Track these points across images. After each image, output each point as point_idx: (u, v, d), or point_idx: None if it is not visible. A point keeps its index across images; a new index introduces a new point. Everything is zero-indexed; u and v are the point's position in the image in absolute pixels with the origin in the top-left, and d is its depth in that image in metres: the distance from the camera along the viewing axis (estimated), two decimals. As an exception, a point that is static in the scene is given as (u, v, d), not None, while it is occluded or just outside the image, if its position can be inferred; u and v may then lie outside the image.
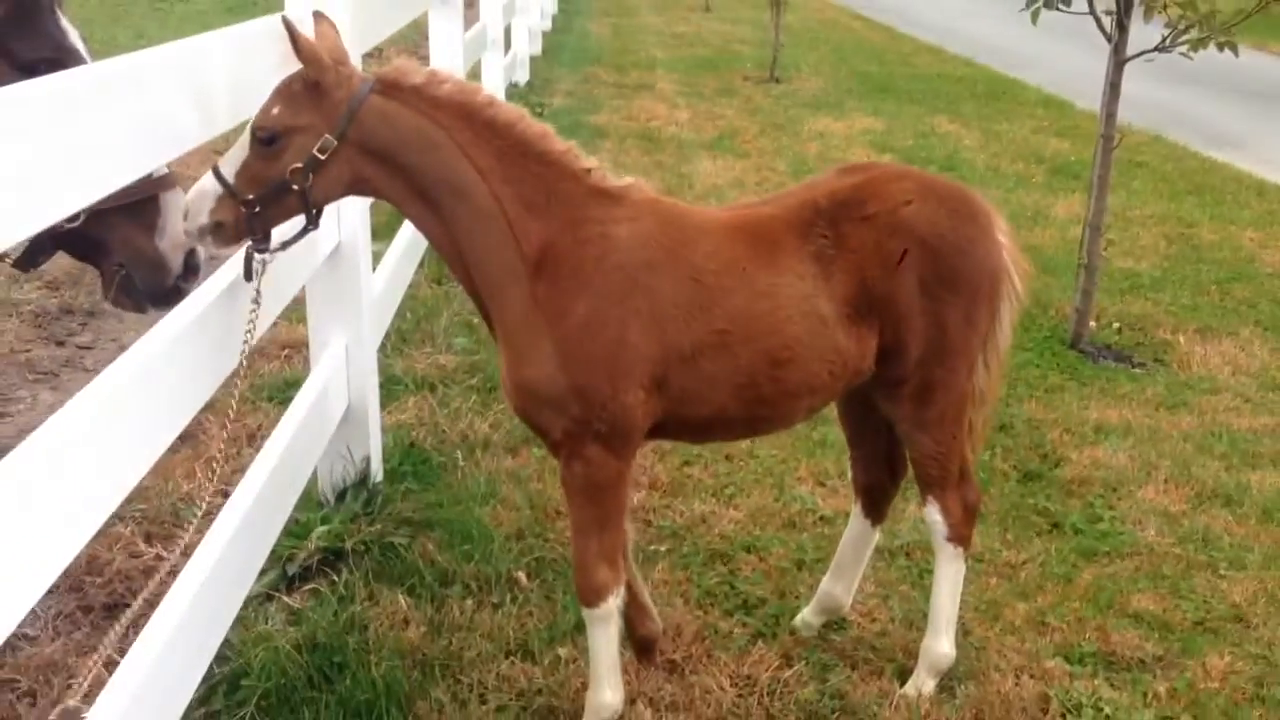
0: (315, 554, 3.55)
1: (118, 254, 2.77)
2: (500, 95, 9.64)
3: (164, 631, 2.36)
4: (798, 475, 4.37)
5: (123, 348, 5.68)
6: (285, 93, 2.48)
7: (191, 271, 2.86)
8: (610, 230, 2.60)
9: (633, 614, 3.05)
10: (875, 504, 3.27)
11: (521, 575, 3.62)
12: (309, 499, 3.91)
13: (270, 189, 2.46)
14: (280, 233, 2.66)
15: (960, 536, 3.08)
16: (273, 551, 3.53)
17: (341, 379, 3.75)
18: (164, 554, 3.63)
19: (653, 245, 2.63)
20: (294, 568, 3.53)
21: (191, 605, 2.45)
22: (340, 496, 3.87)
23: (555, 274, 2.58)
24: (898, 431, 3.05)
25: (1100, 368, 5.55)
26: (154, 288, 2.82)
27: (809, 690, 3.18)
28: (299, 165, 2.45)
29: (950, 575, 3.13)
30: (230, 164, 2.47)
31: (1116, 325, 6.06)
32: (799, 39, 18.80)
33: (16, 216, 1.84)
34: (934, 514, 3.07)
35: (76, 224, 2.61)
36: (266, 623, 3.26)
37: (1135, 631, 3.50)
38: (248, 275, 2.60)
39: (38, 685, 3.12)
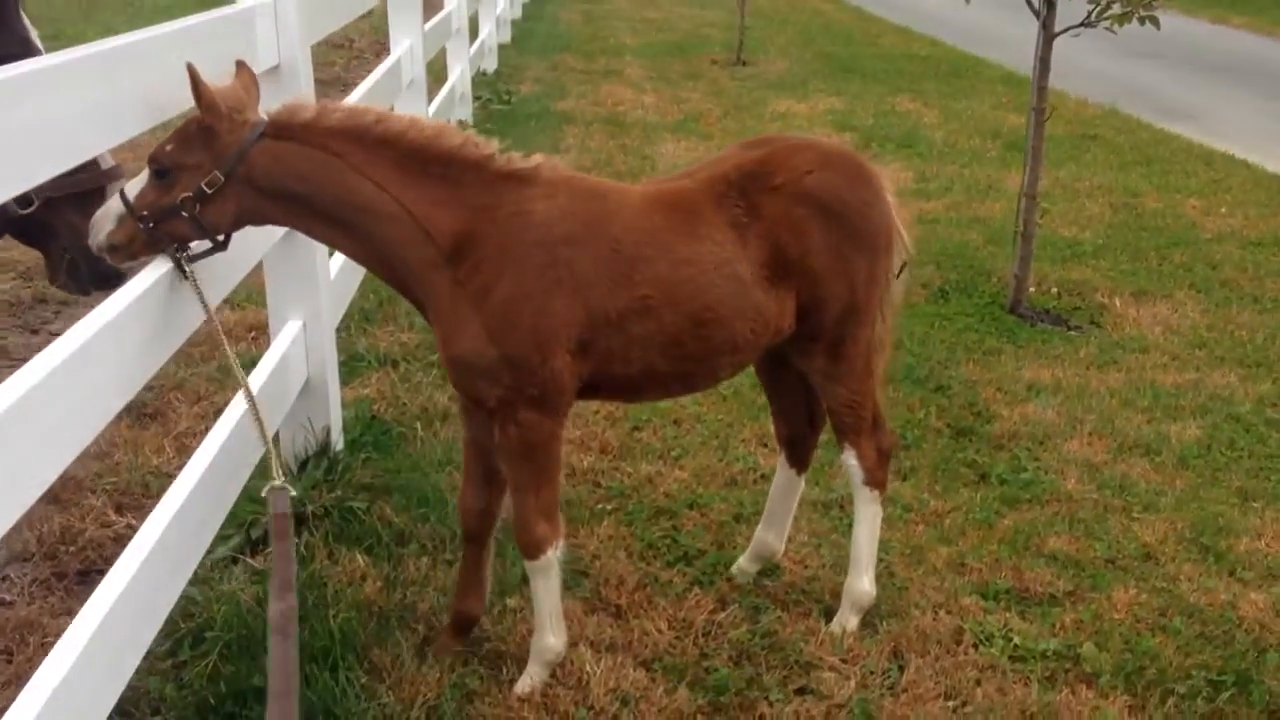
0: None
1: (65, 239, 2.98)
2: (466, 83, 9.86)
3: (117, 588, 2.50)
4: (741, 437, 4.59)
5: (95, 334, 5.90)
6: (182, 133, 2.69)
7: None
8: (525, 209, 2.79)
9: (465, 585, 3.23)
10: (798, 454, 3.49)
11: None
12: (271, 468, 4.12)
13: (162, 212, 2.66)
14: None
15: (876, 480, 3.31)
16: (236, 517, 3.76)
17: (300, 353, 3.95)
18: (134, 523, 3.84)
19: (570, 220, 2.83)
20: (257, 531, 3.73)
21: (145, 563, 2.59)
22: (303, 465, 4.07)
23: (476, 257, 2.76)
24: (813, 384, 3.26)
25: (1037, 330, 5.79)
26: (97, 273, 3.03)
27: (741, 630, 3.40)
28: (188, 195, 2.65)
29: (868, 517, 3.35)
30: (133, 188, 2.69)
31: (1055, 290, 6.30)
32: (768, 22, 19.02)
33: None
34: (850, 459, 3.29)
35: (30, 210, 2.81)
36: (230, 582, 3.47)
37: (1048, 570, 3.73)
38: (182, 274, 2.77)
39: (14, 645, 3.32)
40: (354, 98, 5.64)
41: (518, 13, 19.14)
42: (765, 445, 4.53)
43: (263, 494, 2.58)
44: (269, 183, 2.70)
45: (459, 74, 9.97)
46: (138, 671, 3.07)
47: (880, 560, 3.73)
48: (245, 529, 3.75)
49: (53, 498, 3.97)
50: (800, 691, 3.18)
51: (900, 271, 3.23)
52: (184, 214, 2.67)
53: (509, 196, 2.80)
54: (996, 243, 7.05)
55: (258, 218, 2.80)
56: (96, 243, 2.70)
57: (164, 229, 2.68)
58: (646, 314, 2.87)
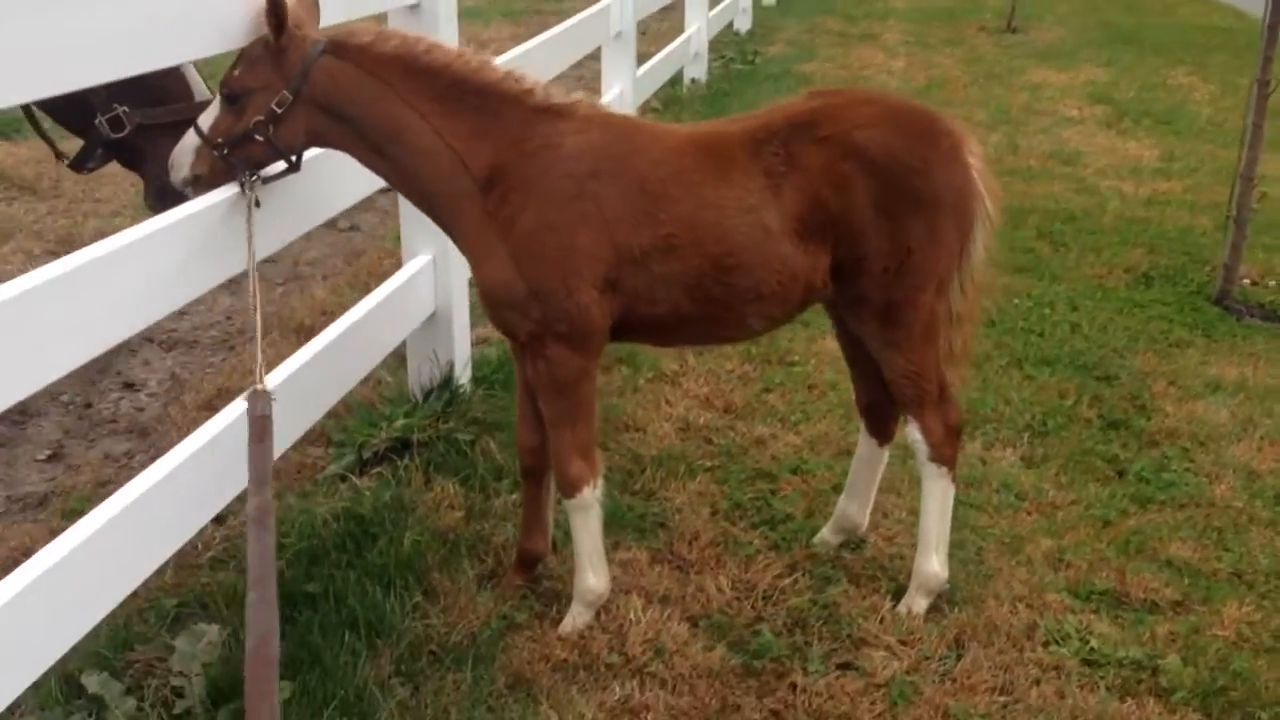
0: (385, 442, 3.93)
1: (157, 166, 3.20)
2: (703, 41, 9.86)
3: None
4: (871, 408, 4.44)
5: (309, 262, 6.31)
6: (247, 55, 2.77)
7: None
8: (555, 142, 2.81)
9: (528, 523, 3.29)
10: (878, 423, 3.36)
11: (570, 476, 3.89)
12: (400, 396, 4.33)
13: (237, 138, 2.75)
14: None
15: (943, 456, 3.14)
16: (350, 439, 3.99)
17: (428, 285, 4.11)
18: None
19: (599, 155, 2.82)
20: (368, 453, 3.92)
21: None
22: (427, 395, 4.25)
23: (505, 187, 2.80)
24: (871, 351, 3.13)
25: (1242, 325, 5.31)
26: (184, 199, 3.25)
27: (803, 599, 3.32)
28: (261, 118, 2.74)
29: (937, 494, 3.19)
30: (206, 120, 2.80)
31: (1274, 283, 5.75)
32: (1055, -13, 18.06)
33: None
34: (914, 433, 3.14)
35: (123, 135, 3.04)
36: (334, 498, 3.66)
37: (1159, 576, 3.45)
38: (253, 202, 2.85)
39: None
40: (547, 38, 5.79)
41: (792, -26, 18.92)
42: (894, 418, 4.37)
43: (242, 397, 2.67)
44: (328, 101, 2.78)
45: (695, 30, 9.98)
46: (216, 564, 3.34)
47: (971, 545, 3.58)
48: (358, 449, 3.94)
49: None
50: (843, 666, 3.08)
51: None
52: (259, 137, 2.76)
53: (541, 129, 2.82)
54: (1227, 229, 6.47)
55: (324, 138, 2.89)
56: (180, 178, 2.83)
57: (240, 155, 2.79)
58: (670, 253, 2.83)
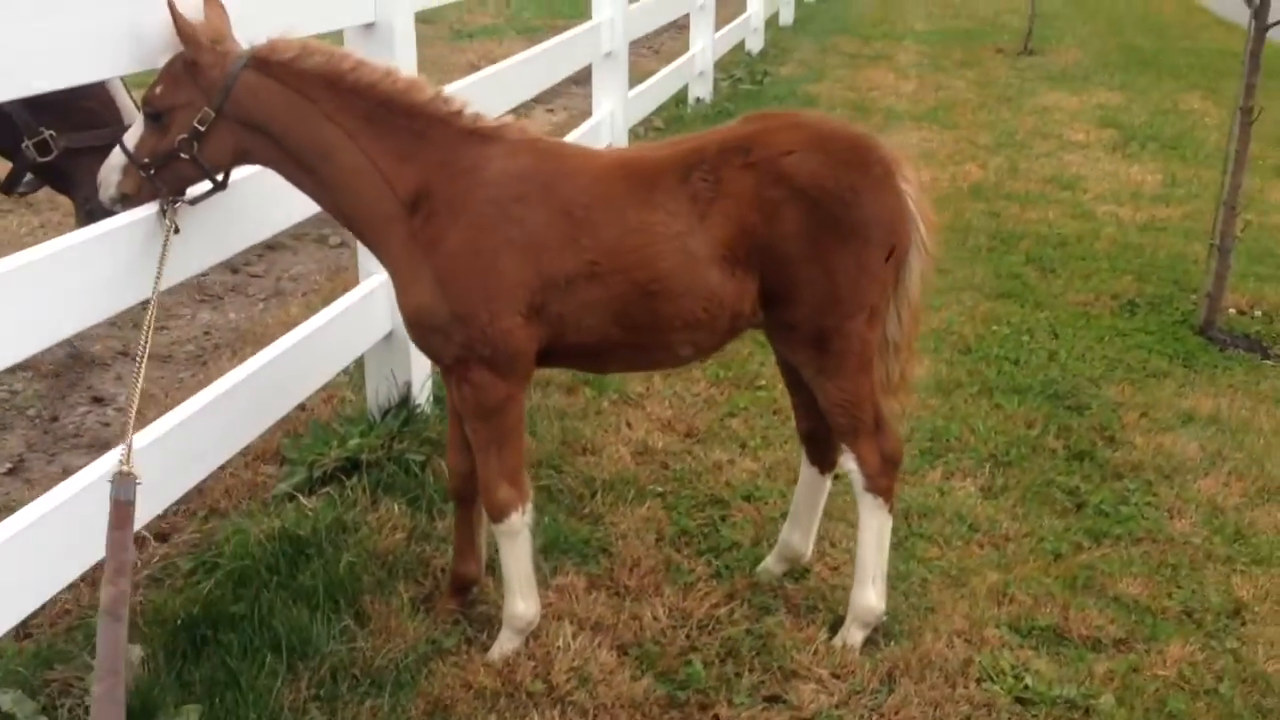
0: (336, 462, 3.92)
1: (85, 190, 3.21)
2: (708, 61, 9.86)
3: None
4: (833, 435, 4.40)
5: (292, 278, 6.33)
6: (168, 72, 2.72)
7: None
8: (482, 166, 2.78)
9: (460, 547, 3.26)
10: (819, 451, 3.31)
11: (517, 499, 3.86)
12: (360, 415, 4.31)
13: (161, 157, 2.71)
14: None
15: (879, 487, 3.09)
16: (303, 458, 3.97)
17: (383, 304, 4.09)
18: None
19: (525, 179, 2.79)
20: (318, 472, 3.91)
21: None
22: (384, 415, 4.24)
23: (430, 210, 2.78)
24: (805, 379, 3.08)
25: (1224, 355, 5.23)
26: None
27: (739, 629, 3.27)
28: (184, 136, 2.69)
29: (873, 525, 3.14)
30: (131, 138, 2.75)
31: (1260, 313, 5.66)
32: (1079, 9, 18.06)
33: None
34: (849, 463, 3.09)
35: (50, 158, 3.05)
36: (274, 518, 3.64)
37: (1104, 613, 3.38)
38: (170, 225, 2.81)
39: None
40: (532, 55, 5.80)
41: (814, -7, 18.94)
42: (855, 445, 4.32)
43: (108, 479, 2.50)
44: (251, 118, 2.73)
45: (699, 50, 9.98)
46: (151, 583, 3.33)
47: (916, 577, 3.53)
48: (309, 468, 3.93)
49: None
50: (770, 699, 3.03)
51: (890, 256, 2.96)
52: (184, 155, 2.72)
53: (469, 152, 2.80)
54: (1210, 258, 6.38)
55: (251, 156, 2.84)
56: (108, 196, 2.78)
57: (166, 174, 2.75)
58: (595, 279, 2.80)
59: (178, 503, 3.87)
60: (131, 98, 3.47)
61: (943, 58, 13.60)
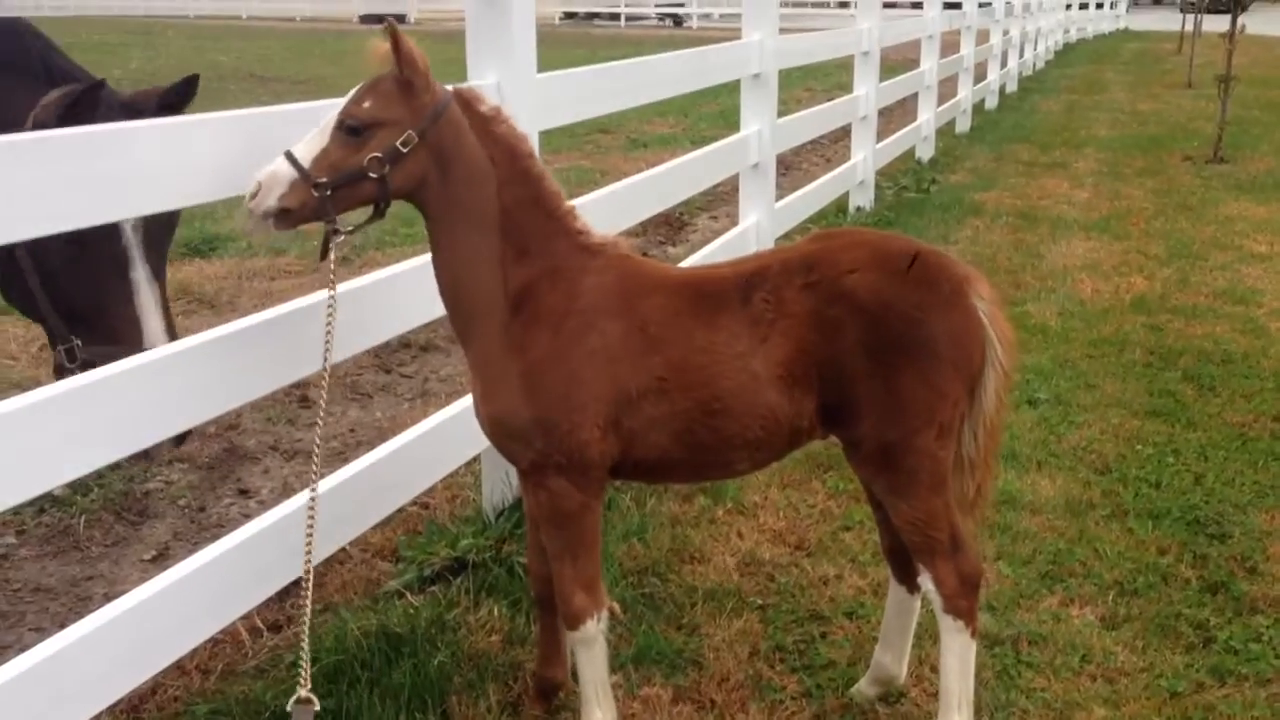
0: (444, 561, 4.03)
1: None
2: (869, 170, 9.95)
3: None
4: (949, 554, 4.28)
5: (441, 379, 6.58)
6: (377, 89, 2.71)
7: None
8: (578, 279, 2.86)
9: (546, 652, 3.30)
10: (904, 569, 3.23)
11: (616, 606, 3.83)
12: (476, 516, 4.44)
13: (346, 175, 2.67)
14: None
15: (958, 609, 3.00)
16: (415, 557, 4.11)
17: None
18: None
19: (611, 294, 2.86)
20: (428, 571, 4.03)
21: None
22: (498, 517, 4.35)
23: (528, 314, 2.85)
24: (879, 497, 3.04)
25: (1393, 484, 4.87)
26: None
27: (822, 752, 3.21)
28: (379, 155, 2.67)
29: (955, 649, 3.04)
30: (305, 151, 2.69)
31: None
32: (1278, 114, 17.35)
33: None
34: (927, 583, 3.01)
35: (74, 365, 3.32)
36: (377, 616, 3.76)
37: (1217, 758, 3.17)
38: (324, 254, 2.81)
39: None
40: (681, 164, 5.97)
41: (994, 102, 18.80)
42: (971, 566, 4.19)
43: (287, 708, 2.60)
44: (446, 153, 2.75)
45: (861, 158, 10.02)
46: (258, 673, 3.48)
47: (1018, 708, 3.38)
48: (419, 566, 4.06)
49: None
50: (843, 828, 2.95)
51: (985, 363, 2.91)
52: (373, 175, 2.68)
53: (572, 264, 2.88)
54: (1398, 377, 5.99)
55: (425, 191, 2.80)
56: (265, 208, 2.67)
57: (344, 193, 2.70)
58: (661, 396, 2.84)
59: (294, 594, 4.07)
60: (168, 319, 3.58)
61: (1123, 166, 13.25)
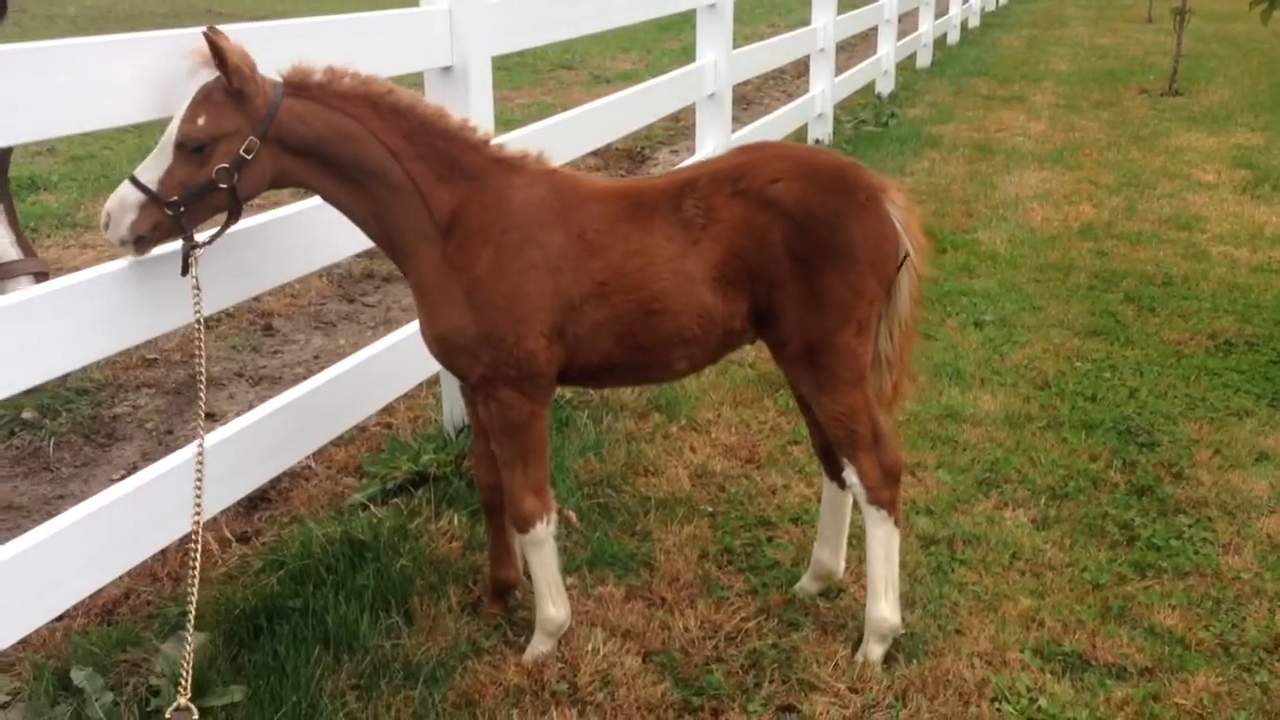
0: (407, 475, 4.18)
1: None
2: (827, 103, 10.02)
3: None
4: (893, 463, 4.46)
5: (404, 308, 6.68)
6: (207, 103, 2.72)
7: None
8: (508, 195, 2.98)
9: (498, 555, 3.46)
10: (835, 466, 3.37)
11: (572, 514, 4.06)
12: (437, 434, 4.58)
13: (195, 190, 2.72)
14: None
15: (881, 499, 3.18)
16: (378, 471, 4.25)
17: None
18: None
19: (545, 207, 2.99)
20: (390, 484, 4.18)
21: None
22: (458, 433, 4.49)
23: (463, 234, 2.96)
24: (805, 396, 3.21)
25: (1317, 396, 5.09)
26: None
27: (765, 642, 3.39)
28: (225, 165, 2.72)
29: (880, 538, 3.22)
30: (150, 172, 2.71)
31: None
32: (1236, 50, 17.57)
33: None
34: (851, 476, 3.19)
35: None
36: (343, 524, 3.91)
37: (1135, 643, 3.38)
38: (184, 270, 2.82)
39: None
40: (639, 91, 6.08)
41: (955, 37, 18.87)
42: (913, 475, 4.38)
43: (166, 715, 2.46)
44: (296, 142, 2.81)
45: (819, 92, 10.12)
46: (226, 580, 3.62)
47: (948, 600, 3.58)
48: (381, 480, 4.21)
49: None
50: (784, 709, 3.14)
51: (900, 265, 3.07)
52: (222, 185, 2.73)
53: (496, 180, 2.99)
54: (1329, 297, 6.21)
55: (283, 179, 2.89)
56: (118, 237, 2.73)
57: (199, 207, 2.76)
58: (602, 300, 2.97)
59: (262, 508, 4.22)
60: (17, 233, 3.61)
61: (1080, 99, 13.42)
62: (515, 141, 4.69)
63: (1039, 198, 8.69)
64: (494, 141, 3.08)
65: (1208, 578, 3.72)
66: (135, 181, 2.72)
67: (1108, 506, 4.15)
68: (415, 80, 4.20)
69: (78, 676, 3.10)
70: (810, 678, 3.24)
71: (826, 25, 10.07)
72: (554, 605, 3.28)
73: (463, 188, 2.97)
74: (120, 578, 3.59)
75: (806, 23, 10.22)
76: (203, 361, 2.86)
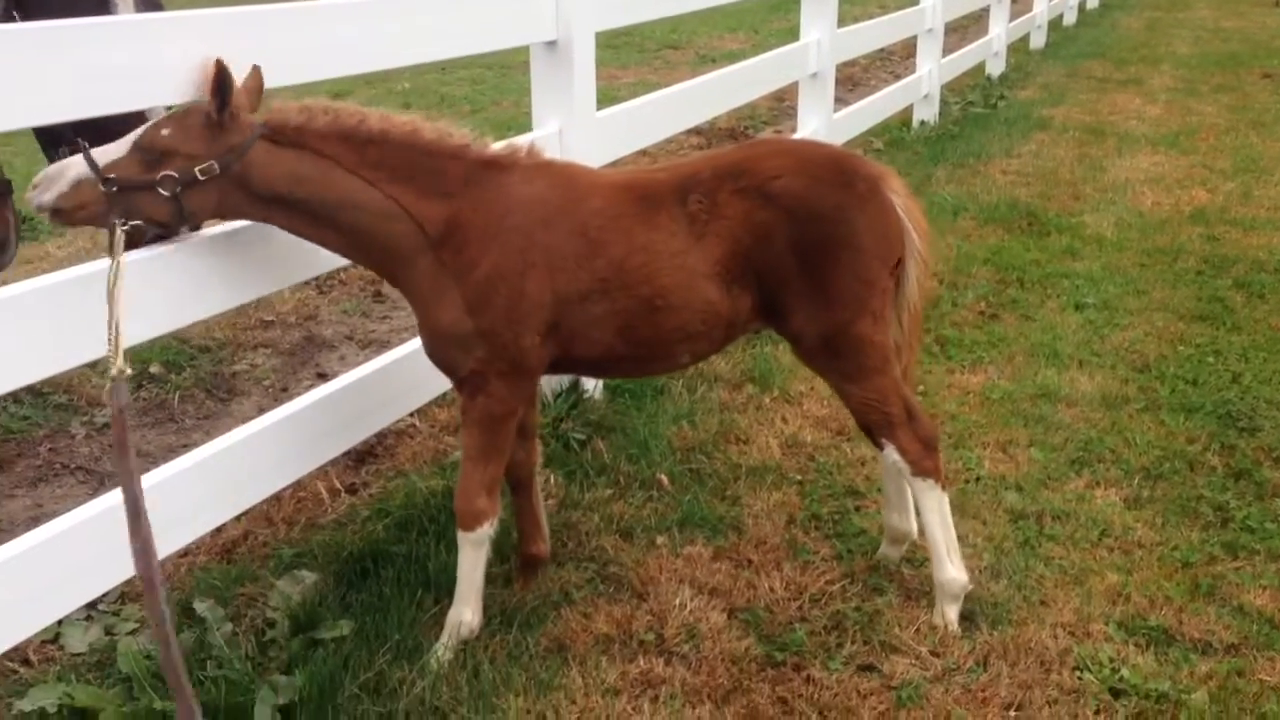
0: (507, 435, 4.34)
1: None
2: (934, 84, 9.97)
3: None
4: (982, 440, 4.50)
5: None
6: (182, 121, 2.75)
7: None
8: (503, 194, 2.99)
9: (526, 530, 3.49)
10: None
11: (664, 478, 4.18)
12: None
13: (135, 183, 2.70)
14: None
15: (925, 469, 3.23)
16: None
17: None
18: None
19: (544, 204, 3.02)
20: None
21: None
22: (556, 398, 4.64)
23: (461, 241, 2.96)
24: (831, 386, 3.30)
25: None
26: None
27: (849, 605, 3.47)
28: (173, 174, 2.70)
29: (932, 505, 3.27)
30: (103, 155, 2.70)
31: None
32: (1361, 31, 16.91)
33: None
34: (892, 454, 3.24)
35: None
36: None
37: (1220, 620, 3.39)
38: (110, 248, 2.66)
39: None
40: (741, 68, 6.16)
41: (1072, 19, 18.50)
42: (1003, 451, 4.42)
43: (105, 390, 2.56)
44: (261, 183, 2.81)
45: (926, 72, 10.06)
46: (337, 526, 3.82)
47: (1034, 573, 3.62)
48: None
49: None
50: (864, 668, 3.22)
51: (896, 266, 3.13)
52: (164, 192, 2.71)
53: (489, 182, 3.00)
54: None
55: (233, 213, 2.89)
56: (41, 200, 2.70)
57: (131, 198, 2.71)
58: (604, 295, 3.01)
59: (369, 462, 4.42)
60: None
61: (1200, 82, 13.08)
62: (618, 116, 4.83)
63: (1150, 182, 8.54)
64: (469, 143, 3.04)
65: (1301, 560, 3.70)
66: (88, 156, 2.70)
67: (1203, 489, 4.14)
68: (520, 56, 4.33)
69: (200, 607, 3.32)
70: (892, 640, 3.31)
71: (935, 5, 10.00)
72: (470, 609, 3.24)
73: (454, 197, 2.96)
74: (239, 520, 3.85)
75: (916, 4, 10.15)
76: (115, 331, 2.55)
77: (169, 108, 2.97)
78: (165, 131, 2.74)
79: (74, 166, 2.69)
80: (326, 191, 2.87)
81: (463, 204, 2.96)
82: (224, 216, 2.92)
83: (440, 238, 2.95)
